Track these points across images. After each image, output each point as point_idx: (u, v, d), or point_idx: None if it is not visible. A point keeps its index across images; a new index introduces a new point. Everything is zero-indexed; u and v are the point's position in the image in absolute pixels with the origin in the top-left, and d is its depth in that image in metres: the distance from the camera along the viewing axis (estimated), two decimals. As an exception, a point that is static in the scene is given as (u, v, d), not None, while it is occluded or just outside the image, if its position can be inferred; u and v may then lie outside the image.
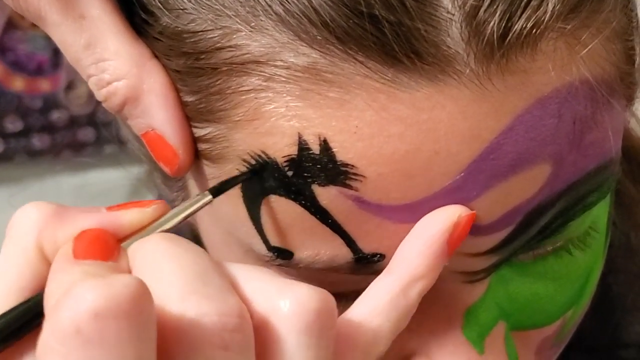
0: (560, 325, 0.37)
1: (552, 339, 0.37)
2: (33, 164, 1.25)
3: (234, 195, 0.32)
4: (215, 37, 0.29)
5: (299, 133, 0.29)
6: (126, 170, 0.52)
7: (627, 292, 0.47)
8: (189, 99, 0.31)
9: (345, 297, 0.34)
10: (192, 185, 0.36)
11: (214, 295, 0.25)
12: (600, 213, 0.36)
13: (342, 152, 0.29)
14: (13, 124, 1.24)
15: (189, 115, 0.32)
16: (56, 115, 1.25)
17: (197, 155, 0.33)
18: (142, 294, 0.23)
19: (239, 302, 0.26)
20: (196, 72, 0.30)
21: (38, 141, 1.26)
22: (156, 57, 0.32)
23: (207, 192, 0.31)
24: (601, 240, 0.37)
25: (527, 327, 0.36)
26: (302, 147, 0.29)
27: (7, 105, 1.23)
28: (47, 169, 1.22)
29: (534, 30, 0.27)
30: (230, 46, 0.29)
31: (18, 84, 1.24)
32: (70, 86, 1.25)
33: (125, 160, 0.51)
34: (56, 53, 1.20)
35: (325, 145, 0.29)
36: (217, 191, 0.31)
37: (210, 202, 0.32)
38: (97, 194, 1.00)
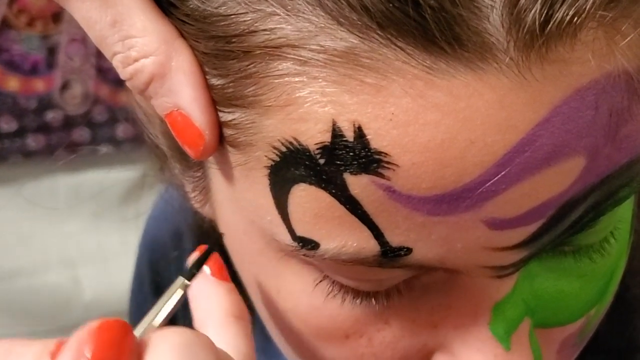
0: (584, 323, 0.36)
1: (575, 338, 0.37)
2: (28, 165, 1.25)
3: (260, 182, 0.31)
4: (248, 20, 0.29)
5: (333, 119, 0.28)
6: (122, 170, 0.51)
7: (644, 294, 0.46)
8: (215, 82, 0.31)
9: (367, 294, 0.34)
10: (214, 174, 0.36)
11: None
12: (624, 211, 0.36)
13: (377, 140, 0.28)
14: (8, 125, 1.23)
15: (215, 99, 0.31)
16: (51, 116, 1.24)
17: (221, 141, 0.32)
18: None
19: None
20: (226, 55, 0.30)
21: (33, 141, 1.25)
22: (183, 37, 0.31)
23: (180, 278, 0.34)
24: (625, 237, 0.37)
25: (551, 325, 0.35)
26: (336, 133, 0.28)
27: (1, 106, 1.22)
28: (42, 169, 1.21)
29: (575, 19, 0.27)
30: (264, 29, 0.28)
31: (12, 84, 1.23)
32: (65, 86, 1.24)
33: (121, 160, 0.51)
34: (51, 53, 1.20)
35: (359, 132, 0.28)
36: (190, 275, 0.34)
37: (187, 286, 0.34)
38: (92, 194, 1.00)
